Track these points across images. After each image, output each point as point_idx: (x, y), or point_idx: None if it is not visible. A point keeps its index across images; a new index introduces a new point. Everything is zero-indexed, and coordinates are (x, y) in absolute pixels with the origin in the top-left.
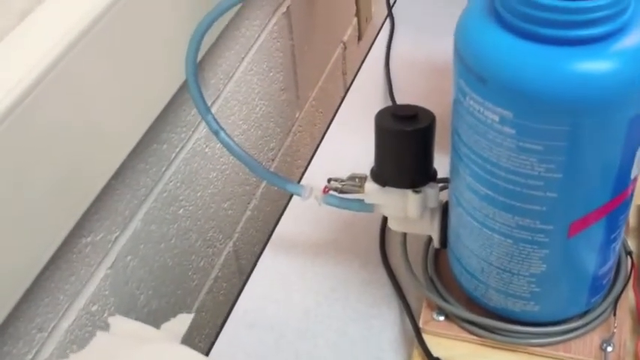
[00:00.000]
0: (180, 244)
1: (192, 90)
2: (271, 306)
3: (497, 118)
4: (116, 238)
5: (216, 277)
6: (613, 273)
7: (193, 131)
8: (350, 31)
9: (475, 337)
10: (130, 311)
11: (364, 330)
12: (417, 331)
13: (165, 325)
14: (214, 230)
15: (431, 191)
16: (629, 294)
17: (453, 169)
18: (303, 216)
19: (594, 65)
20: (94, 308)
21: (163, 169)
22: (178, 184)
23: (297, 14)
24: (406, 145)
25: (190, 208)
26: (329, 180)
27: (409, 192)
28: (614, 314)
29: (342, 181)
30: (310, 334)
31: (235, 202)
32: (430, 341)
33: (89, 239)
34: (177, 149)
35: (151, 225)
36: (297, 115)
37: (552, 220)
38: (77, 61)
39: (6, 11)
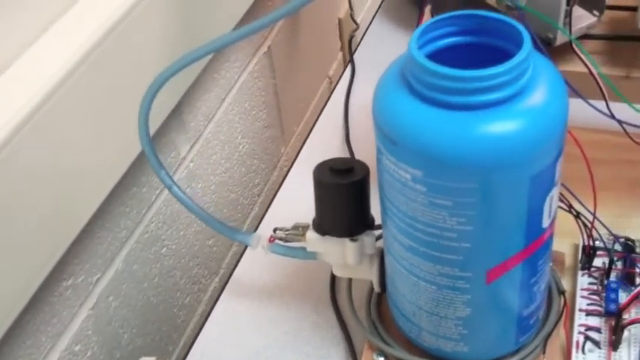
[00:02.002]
0: (164, 282)
1: (145, 145)
2: (226, 349)
3: (409, 177)
4: (97, 279)
5: (203, 313)
6: (543, 312)
7: (173, 173)
8: (335, 66)
9: None
10: (114, 349)
11: None
12: None
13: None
14: (199, 267)
15: (367, 239)
16: (561, 332)
17: (383, 220)
18: (260, 260)
19: (495, 127)
20: (77, 348)
21: (144, 210)
22: (160, 225)
23: (279, 53)
24: (342, 197)
25: (173, 247)
26: (274, 230)
27: (347, 240)
28: (544, 352)
29: (287, 230)
30: None
31: (220, 239)
32: None
33: (70, 282)
34: (158, 191)
35: (133, 265)
36: (282, 151)
37: (469, 268)
38: (57, 105)
39: None
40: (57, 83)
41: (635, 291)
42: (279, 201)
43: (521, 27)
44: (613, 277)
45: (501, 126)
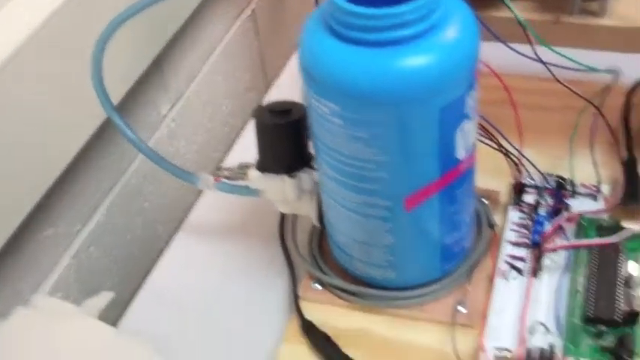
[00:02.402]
0: (146, 234)
1: (96, 88)
2: (179, 284)
3: (328, 111)
4: (78, 230)
5: None
6: (470, 243)
7: (153, 132)
8: None
9: (345, 302)
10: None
11: (259, 300)
12: (296, 299)
13: (85, 302)
14: (181, 221)
15: (305, 176)
16: (488, 262)
17: (315, 157)
18: (217, 203)
19: (405, 62)
20: (58, 295)
21: (126, 164)
22: (141, 179)
23: (263, 16)
24: (279, 136)
25: (155, 200)
26: (219, 168)
27: (285, 177)
28: (469, 280)
29: (231, 169)
30: (213, 306)
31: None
32: (308, 307)
33: (50, 232)
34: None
35: (115, 217)
36: None
37: (388, 196)
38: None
39: None
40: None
41: (557, 222)
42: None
43: None
44: (543, 212)
45: (411, 60)
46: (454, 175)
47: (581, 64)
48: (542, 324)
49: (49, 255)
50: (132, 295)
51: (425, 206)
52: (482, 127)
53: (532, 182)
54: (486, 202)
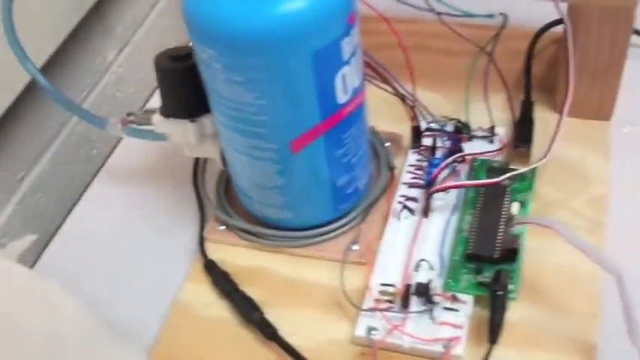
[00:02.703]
0: None
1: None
2: (95, 224)
3: (207, 57)
4: (22, 177)
5: None
6: (365, 183)
7: (100, 78)
8: None
9: (247, 242)
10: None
11: (170, 241)
12: (201, 239)
13: (8, 245)
14: None
15: (206, 120)
16: (384, 202)
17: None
18: (134, 148)
19: (276, 6)
20: (3, 240)
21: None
22: (89, 127)
23: None
24: (178, 81)
25: (105, 148)
26: (127, 114)
27: (187, 122)
28: (365, 219)
29: (137, 114)
30: (126, 246)
31: None
32: (212, 247)
33: None
34: (84, 93)
35: (61, 165)
36: None
37: (273, 139)
38: None
39: None
40: None
41: (445, 163)
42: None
43: None
44: (439, 154)
45: (281, 4)
46: (337, 119)
47: (456, 9)
48: (426, 261)
49: None
50: None
51: (310, 149)
52: (378, 72)
53: (432, 126)
54: (388, 144)
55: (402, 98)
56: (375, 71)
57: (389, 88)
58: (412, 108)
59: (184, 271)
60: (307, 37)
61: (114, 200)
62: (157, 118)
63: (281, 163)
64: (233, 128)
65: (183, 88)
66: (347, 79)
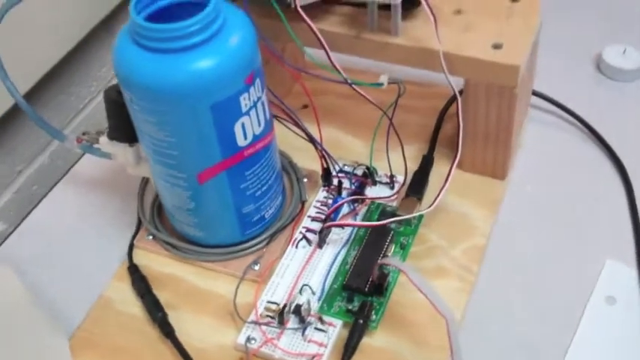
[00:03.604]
0: None
1: None
2: (51, 222)
3: (128, 98)
4: (21, 170)
5: None
6: (272, 213)
7: (105, 85)
8: None
9: (166, 253)
10: None
11: (107, 245)
12: (130, 246)
13: None
14: None
15: (142, 146)
16: (290, 231)
17: None
18: (98, 159)
19: (180, 66)
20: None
21: (71, 116)
22: (89, 128)
23: None
24: (121, 112)
25: None
26: (83, 133)
27: (127, 146)
28: (269, 244)
29: (90, 134)
30: (70, 244)
31: None
32: (139, 254)
33: None
34: (87, 100)
35: (58, 161)
36: None
37: (184, 170)
38: None
39: None
40: None
41: (336, 204)
42: None
43: None
44: (345, 194)
45: (186, 66)
46: (238, 159)
47: (360, 83)
48: (309, 286)
49: None
50: None
51: (215, 181)
52: (295, 122)
53: (345, 168)
54: (305, 180)
55: (313, 143)
56: (291, 118)
57: (304, 135)
58: (321, 154)
59: (113, 272)
60: (205, 93)
61: (71, 204)
62: (103, 139)
63: (191, 190)
64: (152, 158)
65: (124, 117)
66: (246, 127)
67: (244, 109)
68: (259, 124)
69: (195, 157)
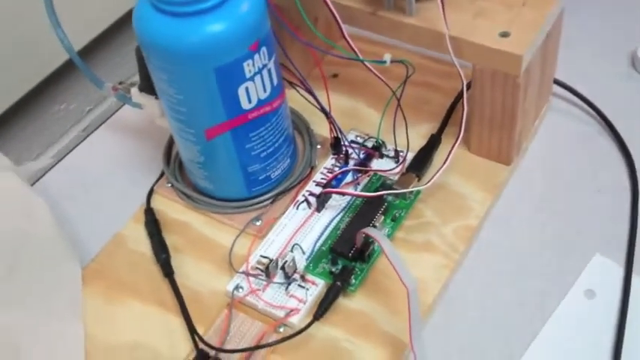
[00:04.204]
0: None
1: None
2: (92, 162)
3: (145, 56)
4: (89, 109)
5: None
6: (279, 174)
7: None
8: None
9: (180, 201)
10: None
11: (136, 189)
12: (150, 191)
13: (26, 163)
14: None
15: None
16: (295, 193)
17: None
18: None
19: (198, 28)
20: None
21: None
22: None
23: None
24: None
25: None
26: (119, 82)
27: (153, 98)
28: (273, 203)
29: (124, 84)
30: (104, 184)
31: None
32: (157, 199)
33: (62, 107)
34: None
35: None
36: None
37: (192, 126)
38: None
39: None
40: None
41: (335, 173)
42: None
43: None
44: (352, 164)
45: (193, 31)
46: (242, 121)
47: (364, 60)
48: (299, 246)
49: (60, 125)
50: None
51: (221, 138)
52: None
53: (356, 139)
54: (319, 147)
55: (326, 114)
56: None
57: (317, 105)
58: (330, 124)
59: (133, 213)
60: (209, 56)
61: (107, 148)
62: (134, 90)
63: (200, 144)
64: (168, 113)
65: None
66: (250, 92)
67: (248, 75)
68: (264, 90)
69: (202, 115)
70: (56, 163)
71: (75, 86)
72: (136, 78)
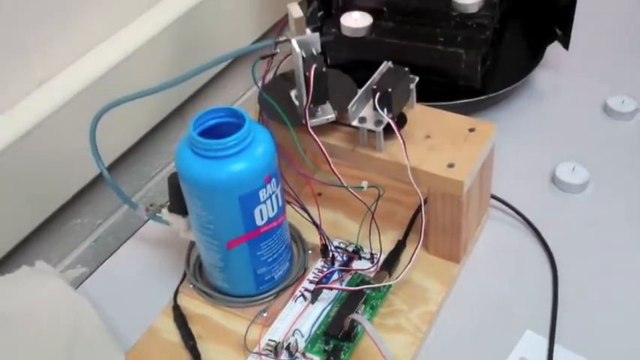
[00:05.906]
0: None
1: (94, 154)
2: (126, 269)
3: (184, 186)
4: (99, 223)
5: None
6: (281, 274)
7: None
8: None
9: (201, 298)
10: None
11: (165, 289)
12: (176, 291)
13: (66, 271)
14: None
15: None
16: (293, 288)
17: None
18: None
19: (221, 169)
20: (78, 266)
21: (144, 181)
22: (157, 194)
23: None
24: (179, 193)
25: None
26: (150, 204)
27: (180, 217)
28: (276, 297)
29: (155, 206)
30: (136, 289)
31: None
32: (182, 298)
33: (78, 221)
34: (158, 169)
35: (130, 219)
36: None
37: (217, 238)
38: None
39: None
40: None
41: (324, 272)
42: None
43: (244, 114)
44: (337, 265)
45: (221, 169)
46: (255, 234)
47: (346, 185)
48: (299, 330)
49: (75, 236)
50: None
51: (239, 248)
52: (304, 210)
53: (340, 245)
54: (310, 252)
55: (316, 226)
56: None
57: (309, 218)
58: (320, 233)
59: (162, 309)
60: (235, 188)
61: (137, 256)
62: (164, 210)
63: (221, 253)
64: (196, 228)
65: (181, 197)
66: (263, 212)
67: (262, 199)
68: (273, 210)
69: (226, 230)
70: (93, 271)
71: (89, 202)
72: (150, 194)
